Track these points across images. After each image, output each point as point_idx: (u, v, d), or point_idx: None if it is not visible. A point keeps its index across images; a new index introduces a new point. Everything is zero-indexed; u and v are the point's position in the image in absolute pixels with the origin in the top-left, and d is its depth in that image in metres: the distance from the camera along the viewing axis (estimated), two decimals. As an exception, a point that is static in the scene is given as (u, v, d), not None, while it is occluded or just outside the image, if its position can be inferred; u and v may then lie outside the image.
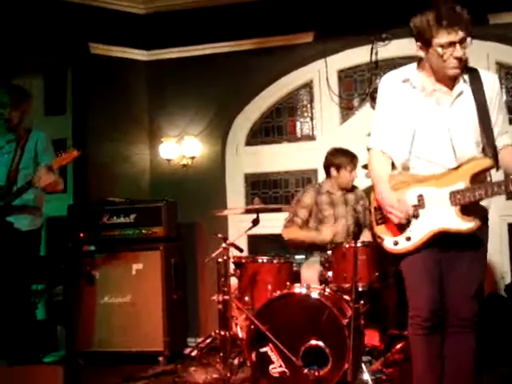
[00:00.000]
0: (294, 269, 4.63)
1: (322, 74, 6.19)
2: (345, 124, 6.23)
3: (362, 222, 4.95)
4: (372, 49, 5.86)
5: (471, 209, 2.87)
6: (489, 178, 3.01)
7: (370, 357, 4.28)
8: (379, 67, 5.93)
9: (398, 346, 4.27)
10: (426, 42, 2.83)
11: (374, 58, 5.88)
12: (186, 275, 5.90)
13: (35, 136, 4.34)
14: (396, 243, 2.98)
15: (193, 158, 6.27)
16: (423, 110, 2.94)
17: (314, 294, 3.89)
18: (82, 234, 5.48)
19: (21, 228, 4.19)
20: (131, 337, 5.27)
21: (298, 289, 4.03)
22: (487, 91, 2.92)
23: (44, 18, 5.92)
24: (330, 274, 4.34)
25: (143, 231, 5.41)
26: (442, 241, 2.91)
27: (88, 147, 6.11)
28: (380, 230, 3.06)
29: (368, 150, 3.16)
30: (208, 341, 4.76)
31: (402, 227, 2.95)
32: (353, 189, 5.04)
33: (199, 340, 5.15)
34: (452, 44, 2.76)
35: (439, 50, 2.78)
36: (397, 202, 2.92)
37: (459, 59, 2.80)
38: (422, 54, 2.90)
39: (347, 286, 4.13)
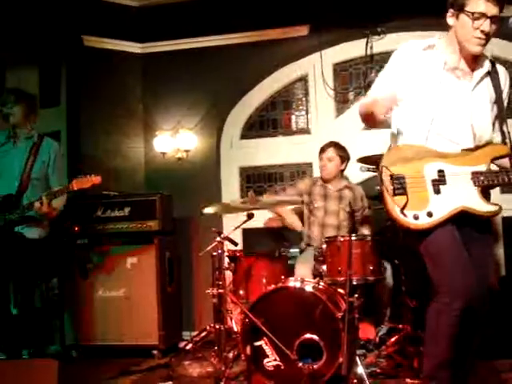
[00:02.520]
0: (289, 262, 4.63)
1: (317, 68, 6.18)
2: (340, 117, 6.23)
3: (360, 219, 5.01)
4: (367, 42, 5.87)
5: (487, 192, 2.86)
6: None
7: (365, 350, 4.29)
8: (374, 61, 5.94)
9: (393, 340, 4.28)
10: (459, 7, 2.79)
11: (369, 52, 5.89)
12: (181, 269, 5.91)
13: (47, 145, 4.36)
14: (416, 217, 2.81)
15: (187, 151, 6.27)
16: (444, 84, 2.88)
17: (309, 288, 3.88)
18: (76, 228, 5.47)
19: (26, 236, 4.23)
20: (126, 330, 5.27)
21: (293, 282, 4.02)
22: (502, 83, 2.94)
23: (38, 11, 5.89)
24: (324, 267, 4.35)
25: (138, 225, 5.40)
26: (458, 221, 2.83)
27: (82, 140, 6.11)
28: (397, 200, 2.84)
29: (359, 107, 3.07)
30: (202, 334, 4.75)
31: (422, 201, 2.81)
32: (350, 186, 5.08)
33: (194, 334, 5.15)
34: (483, 16, 2.73)
35: (470, 17, 2.74)
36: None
37: (485, 35, 2.77)
38: (451, 21, 2.86)
39: (341, 279, 4.14)
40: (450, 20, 2.86)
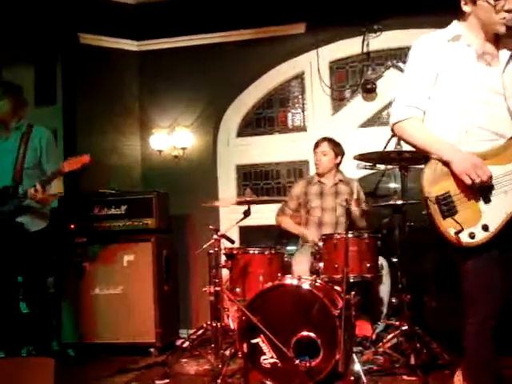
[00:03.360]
0: (286, 260, 4.64)
1: (314, 65, 6.19)
2: (336, 115, 6.23)
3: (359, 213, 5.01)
4: (363, 40, 5.88)
5: None
6: None
7: (362, 347, 4.29)
8: (371, 58, 5.96)
9: (389, 337, 4.28)
10: None
11: (365, 49, 5.91)
12: (178, 267, 5.90)
13: (38, 133, 4.35)
14: (473, 235, 2.56)
15: (184, 149, 6.27)
16: (477, 73, 2.67)
17: (305, 285, 3.89)
18: (72, 226, 5.46)
19: (29, 229, 4.24)
20: (123, 328, 5.26)
21: (289, 280, 4.02)
22: None
23: (34, 9, 5.89)
24: (321, 264, 4.35)
25: (134, 223, 5.39)
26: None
27: (78, 138, 6.10)
28: (449, 223, 2.59)
29: (394, 124, 2.78)
30: (200, 332, 4.76)
31: (474, 215, 2.58)
32: (345, 180, 5.12)
33: (191, 331, 5.16)
34: None
35: (490, 1, 2.57)
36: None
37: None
38: (467, 8, 2.68)
39: (338, 276, 4.13)
40: (466, 7, 2.68)
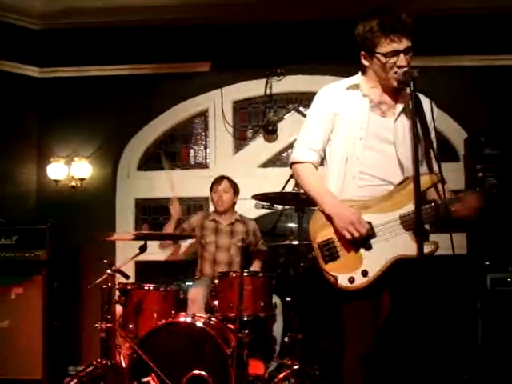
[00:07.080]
0: (181, 296, 4.61)
1: (217, 104, 6.26)
2: (238, 154, 6.32)
3: (253, 251, 5.09)
4: (267, 82, 6.03)
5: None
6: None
7: (254, 386, 4.31)
8: (273, 101, 6.11)
9: (281, 376, 4.31)
10: (369, 51, 2.73)
11: (268, 92, 6.05)
12: (70, 301, 5.74)
13: None
14: (352, 280, 2.68)
15: (82, 179, 6.13)
16: (369, 122, 2.79)
17: (199, 323, 3.89)
18: (-42, 255, 5.22)
19: None
20: (8, 364, 5.07)
21: (183, 317, 4.01)
22: (426, 113, 2.79)
23: None
24: (216, 302, 4.36)
25: (25, 254, 5.24)
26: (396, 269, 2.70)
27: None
28: (330, 267, 2.72)
29: (293, 163, 2.92)
30: (89, 369, 4.61)
31: (355, 261, 2.70)
32: (242, 220, 5.18)
33: (80, 368, 4.99)
34: (396, 53, 2.66)
35: (382, 59, 2.68)
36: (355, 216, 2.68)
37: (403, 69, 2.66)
38: (366, 63, 2.80)
39: (233, 315, 4.15)
40: (365, 61, 2.81)
